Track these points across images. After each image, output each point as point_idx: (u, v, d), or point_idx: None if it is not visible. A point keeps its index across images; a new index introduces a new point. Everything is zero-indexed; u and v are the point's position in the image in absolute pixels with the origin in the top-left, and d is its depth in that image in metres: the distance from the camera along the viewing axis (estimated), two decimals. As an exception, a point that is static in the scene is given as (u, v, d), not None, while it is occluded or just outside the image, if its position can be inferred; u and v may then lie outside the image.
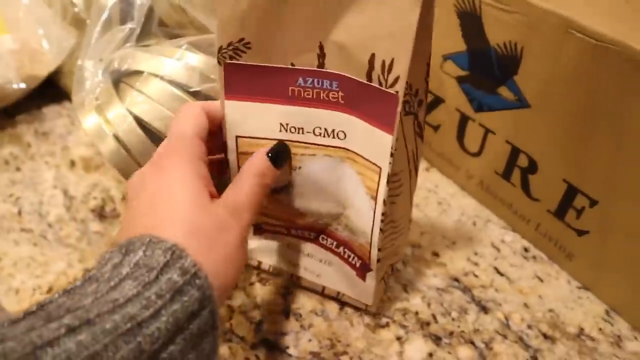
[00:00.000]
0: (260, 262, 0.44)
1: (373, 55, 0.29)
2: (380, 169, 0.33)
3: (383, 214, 0.34)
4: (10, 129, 0.58)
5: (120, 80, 0.44)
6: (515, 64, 0.40)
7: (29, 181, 0.53)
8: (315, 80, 0.32)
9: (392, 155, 0.31)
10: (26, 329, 0.21)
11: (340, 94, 0.32)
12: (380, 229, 0.35)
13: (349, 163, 0.35)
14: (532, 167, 0.43)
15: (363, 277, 0.39)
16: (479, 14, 0.41)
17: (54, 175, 0.53)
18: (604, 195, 0.38)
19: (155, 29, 0.46)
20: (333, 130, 0.34)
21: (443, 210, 0.51)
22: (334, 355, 0.38)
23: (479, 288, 0.43)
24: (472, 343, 0.39)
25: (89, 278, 0.25)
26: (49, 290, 0.43)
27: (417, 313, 0.41)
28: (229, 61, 0.32)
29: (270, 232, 0.41)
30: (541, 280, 0.44)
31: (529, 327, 0.41)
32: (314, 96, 0.33)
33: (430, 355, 0.39)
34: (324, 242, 0.40)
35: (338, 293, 0.41)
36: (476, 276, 0.44)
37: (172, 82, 0.42)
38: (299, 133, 0.34)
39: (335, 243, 0.39)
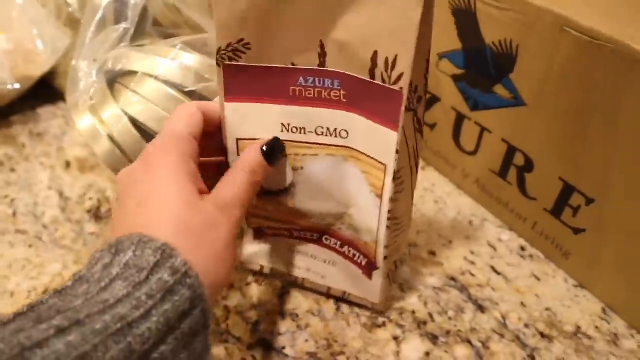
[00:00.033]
0: (262, 267, 0.43)
1: (376, 52, 0.29)
2: (385, 166, 0.33)
3: (389, 212, 0.34)
4: (4, 130, 0.58)
5: (115, 80, 0.44)
6: (511, 63, 0.40)
7: (23, 182, 0.52)
8: (317, 80, 0.32)
9: (397, 152, 0.31)
10: (15, 331, 0.21)
11: (342, 92, 0.32)
12: (387, 227, 0.35)
13: (352, 162, 0.35)
14: (528, 165, 0.43)
15: (369, 276, 0.38)
16: (474, 12, 0.41)
17: (49, 176, 0.53)
18: (600, 194, 0.38)
19: (150, 28, 0.46)
20: (335, 129, 0.33)
21: (439, 209, 0.50)
22: (330, 356, 0.38)
23: (476, 287, 0.43)
24: (469, 342, 0.39)
25: (80, 278, 0.25)
26: (45, 292, 0.42)
27: (413, 312, 0.41)
28: (228, 63, 0.32)
29: (272, 235, 0.41)
30: (538, 279, 0.44)
31: (526, 326, 0.40)
32: (316, 95, 0.32)
33: (427, 354, 0.39)
34: (328, 242, 0.40)
35: (344, 293, 0.41)
36: (473, 275, 0.44)
37: (166, 82, 0.41)
38: (300, 133, 0.34)
39: (339, 243, 0.39)
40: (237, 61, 0.32)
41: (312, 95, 0.33)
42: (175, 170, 0.29)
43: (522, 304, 0.42)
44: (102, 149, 0.43)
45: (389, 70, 0.29)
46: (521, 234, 0.47)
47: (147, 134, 0.42)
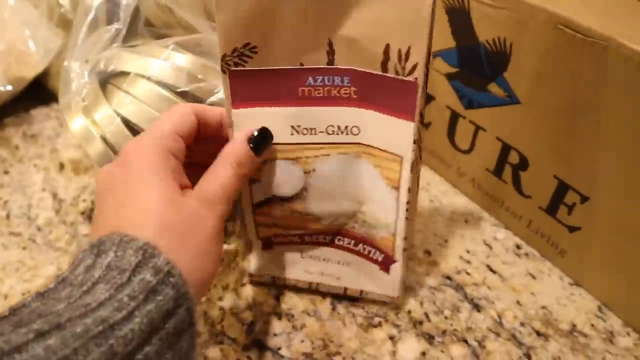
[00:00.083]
0: (274, 277, 0.42)
1: (388, 45, 0.29)
2: (402, 157, 0.33)
3: (408, 202, 0.34)
4: (-3, 132, 0.58)
5: (107, 81, 0.44)
6: (505, 61, 0.40)
7: (17, 184, 0.52)
8: (326, 78, 0.32)
9: (414, 142, 0.32)
10: None
11: (352, 89, 0.32)
12: (406, 217, 0.35)
13: (364, 158, 0.34)
14: (523, 163, 0.43)
15: (387, 270, 0.38)
16: (468, 11, 0.41)
17: (43, 178, 0.53)
18: (595, 192, 0.38)
19: (142, 29, 0.46)
20: (346, 127, 0.33)
21: (435, 208, 0.50)
22: (326, 356, 0.38)
23: (472, 286, 0.43)
24: (465, 341, 0.39)
25: (63, 280, 0.24)
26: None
27: (409, 312, 0.41)
28: (234, 69, 0.31)
29: (282, 244, 0.40)
30: (533, 277, 0.44)
31: (522, 324, 0.40)
32: (325, 94, 0.32)
33: (423, 354, 0.39)
34: (341, 242, 0.39)
35: (361, 292, 0.41)
36: (469, 274, 0.44)
37: (159, 83, 0.41)
38: (311, 134, 0.34)
39: (352, 242, 0.39)
40: (244, 66, 0.31)
41: (321, 95, 0.32)
42: (153, 167, 0.28)
43: (518, 302, 0.42)
44: (95, 150, 0.42)
45: (403, 62, 0.29)
46: (516, 232, 0.47)
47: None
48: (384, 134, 0.33)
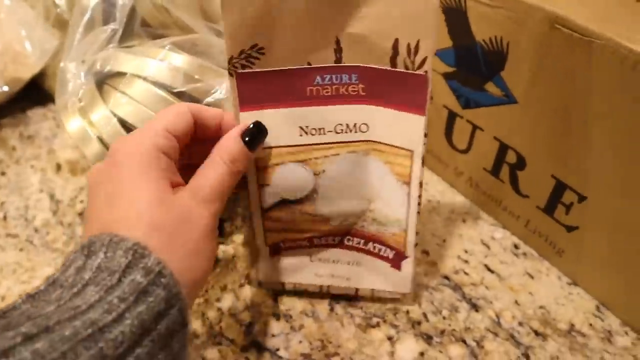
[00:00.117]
0: (283, 284, 0.41)
1: (397, 40, 0.30)
2: (412, 152, 0.33)
3: (419, 196, 0.34)
4: (-6, 133, 0.58)
5: (104, 81, 0.43)
6: (502, 60, 0.40)
7: (14, 185, 0.52)
8: (334, 77, 0.32)
9: (425, 135, 0.32)
10: None
11: (360, 86, 0.32)
12: (417, 212, 0.35)
13: (373, 155, 0.34)
14: (521, 163, 0.43)
15: (398, 267, 0.38)
16: (465, 10, 0.41)
17: (40, 179, 0.53)
18: (592, 191, 0.38)
19: (138, 29, 0.46)
20: (355, 125, 0.33)
21: (432, 207, 0.50)
22: (325, 357, 0.38)
23: (470, 286, 0.43)
24: (464, 341, 0.39)
25: (53, 282, 0.24)
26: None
27: (407, 312, 0.41)
28: (241, 71, 0.31)
29: (290, 248, 0.39)
30: (532, 277, 0.44)
31: (520, 324, 0.40)
32: (333, 93, 0.32)
33: (422, 354, 0.38)
34: (350, 243, 0.39)
35: (372, 291, 0.41)
36: (466, 274, 0.44)
37: (155, 83, 0.41)
38: (320, 134, 0.34)
39: (362, 241, 0.39)
40: (251, 68, 0.31)
41: (329, 93, 0.32)
42: (142, 165, 0.28)
43: (516, 302, 0.42)
44: (91, 151, 0.42)
45: (412, 56, 0.30)
46: (514, 231, 0.47)
47: (136, 136, 0.41)
48: (393, 130, 0.33)
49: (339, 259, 0.40)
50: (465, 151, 0.48)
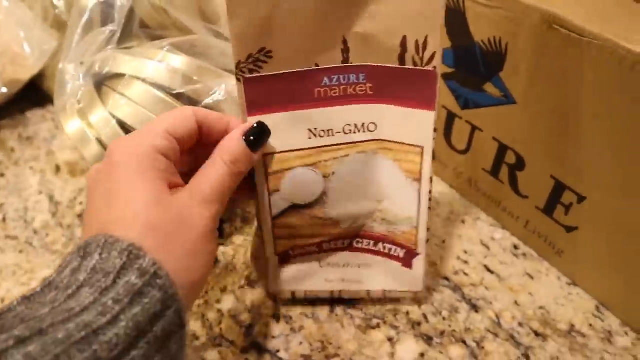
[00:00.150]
0: (294, 292, 0.40)
1: (405, 37, 0.30)
2: (422, 148, 0.33)
3: (430, 192, 0.35)
4: (-7, 135, 0.58)
5: (102, 83, 0.43)
6: (501, 61, 0.40)
7: (13, 187, 0.52)
8: (342, 77, 0.32)
9: (435, 130, 0.32)
10: None
11: (368, 85, 0.32)
12: (429, 207, 0.35)
13: (382, 153, 0.34)
14: (520, 163, 0.43)
15: (409, 265, 0.38)
16: (463, 11, 0.41)
17: (39, 181, 0.53)
18: (592, 191, 0.38)
19: (137, 30, 0.46)
20: (363, 124, 0.33)
21: (432, 208, 0.50)
22: (325, 358, 0.38)
23: (469, 287, 0.43)
24: (464, 342, 0.39)
25: (49, 284, 0.24)
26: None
27: (407, 313, 0.41)
28: (249, 75, 0.31)
29: (300, 255, 0.39)
30: (531, 278, 0.44)
31: (520, 324, 0.40)
32: (341, 93, 0.32)
33: (422, 355, 0.38)
34: (360, 245, 0.39)
35: (384, 292, 0.40)
36: (466, 275, 0.44)
37: (154, 85, 0.41)
38: (328, 136, 0.34)
39: (372, 242, 0.39)
40: (259, 72, 0.31)
41: (337, 94, 0.32)
42: (140, 166, 0.28)
43: (516, 302, 0.42)
44: (91, 152, 0.42)
45: (421, 52, 0.30)
46: (514, 232, 0.47)
47: (136, 138, 0.41)
48: (403, 127, 0.33)
49: (349, 263, 0.39)
50: (465, 152, 0.48)
